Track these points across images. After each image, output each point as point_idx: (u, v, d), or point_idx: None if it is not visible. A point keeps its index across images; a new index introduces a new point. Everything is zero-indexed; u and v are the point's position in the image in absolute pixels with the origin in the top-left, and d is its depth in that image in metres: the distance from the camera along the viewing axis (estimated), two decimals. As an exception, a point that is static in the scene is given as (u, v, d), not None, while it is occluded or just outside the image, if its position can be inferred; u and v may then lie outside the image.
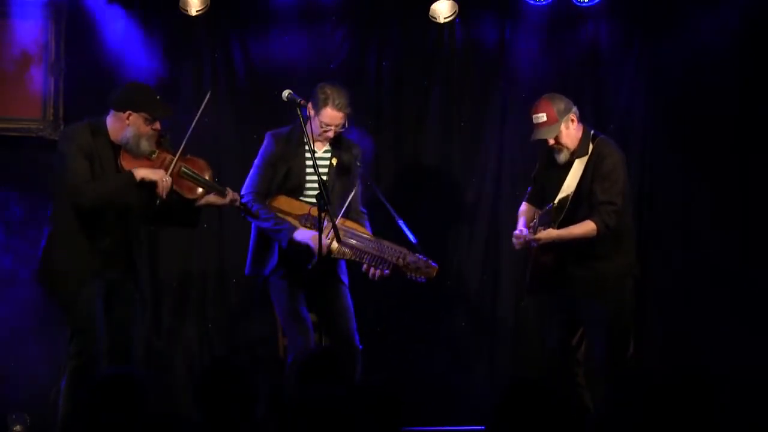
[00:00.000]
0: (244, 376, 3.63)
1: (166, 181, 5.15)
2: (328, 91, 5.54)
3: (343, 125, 5.59)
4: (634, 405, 3.26)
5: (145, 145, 5.21)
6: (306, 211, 5.54)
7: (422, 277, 5.54)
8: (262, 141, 6.40)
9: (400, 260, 5.52)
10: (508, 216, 6.76)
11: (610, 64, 6.71)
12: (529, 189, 5.80)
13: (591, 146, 5.50)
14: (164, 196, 5.16)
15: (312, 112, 5.56)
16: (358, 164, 5.70)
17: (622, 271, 5.55)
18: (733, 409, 5.85)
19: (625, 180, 5.53)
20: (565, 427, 3.28)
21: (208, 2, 6.43)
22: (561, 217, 5.47)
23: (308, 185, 5.63)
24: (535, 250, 5.54)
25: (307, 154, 5.54)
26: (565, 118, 5.47)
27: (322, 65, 6.61)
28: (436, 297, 6.57)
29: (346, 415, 3.20)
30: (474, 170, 6.80)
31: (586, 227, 5.41)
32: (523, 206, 5.76)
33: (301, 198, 5.62)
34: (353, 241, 5.55)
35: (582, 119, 5.57)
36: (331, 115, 5.53)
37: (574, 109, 5.52)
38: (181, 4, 6.43)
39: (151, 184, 5.14)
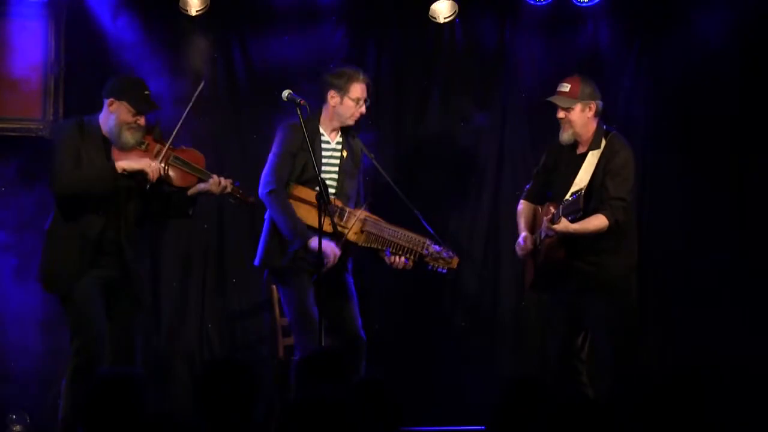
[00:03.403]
0: (244, 376, 3.63)
1: (154, 166, 5.14)
2: (347, 70, 5.69)
3: (367, 99, 5.69)
4: (635, 404, 3.26)
5: (126, 137, 5.19)
6: None
7: (443, 267, 5.60)
8: (261, 141, 6.39)
9: (424, 250, 5.56)
10: (508, 215, 6.76)
11: (610, 64, 6.70)
12: (527, 186, 5.78)
13: (604, 141, 5.50)
14: (154, 180, 5.14)
15: (336, 99, 5.65)
16: (371, 155, 5.77)
17: (627, 269, 5.52)
18: (734, 408, 5.86)
19: (634, 177, 5.51)
20: (565, 427, 3.28)
21: (208, 2, 6.43)
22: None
23: (323, 176, 5.62)
24: (546, 246, 5.49)
25: (323, 146, 5.65)
26: (585, 102, 5.50)
27: (322, 65, 6.61)
28: (436, 296, 6.57)
29: (345, 415, 3.20)
30: (474, 170, 6.81)
31: (599, 221, 5.36)
32: (521, 205, 5.75)
33: (317, 188, 5.63)
34: (378, 230, 5.59)
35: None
36: (361, 88, 5.66)
37: (599, 102, 5.54)
38: (181, 4, 6.43)
39: (139, 173, 5.13)
